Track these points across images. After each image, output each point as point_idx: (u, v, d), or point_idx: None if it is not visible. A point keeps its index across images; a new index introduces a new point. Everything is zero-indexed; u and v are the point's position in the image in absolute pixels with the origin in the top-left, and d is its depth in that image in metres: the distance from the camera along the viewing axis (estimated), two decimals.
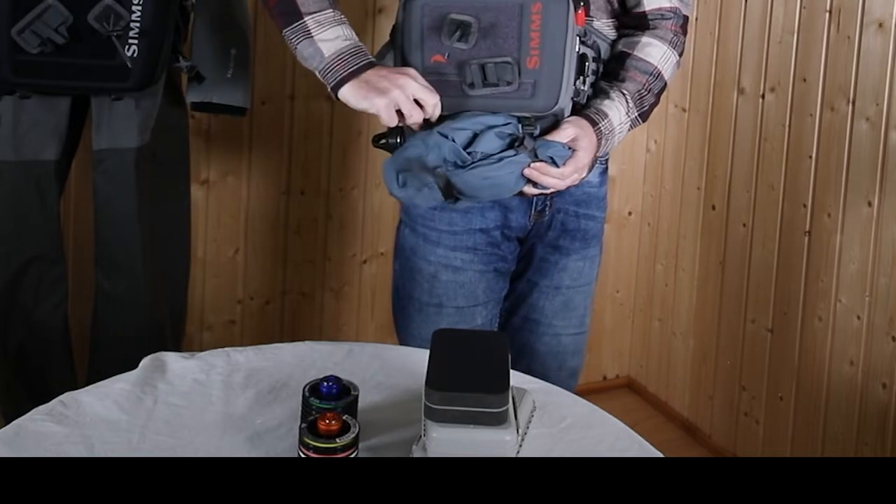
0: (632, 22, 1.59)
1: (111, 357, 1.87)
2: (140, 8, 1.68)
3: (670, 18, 1.58)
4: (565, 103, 1.45)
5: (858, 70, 2.12)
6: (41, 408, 1.22)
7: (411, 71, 1.40)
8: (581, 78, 1.48)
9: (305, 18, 1.41)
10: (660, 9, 1.57)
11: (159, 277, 1.95)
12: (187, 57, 1.86)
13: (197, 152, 2.22)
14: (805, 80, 2.26)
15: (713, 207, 2.59)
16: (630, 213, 2.87)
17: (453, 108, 1.43)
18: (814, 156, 2.25)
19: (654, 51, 1.56)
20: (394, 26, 1.51)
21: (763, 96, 2.39)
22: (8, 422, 1.21)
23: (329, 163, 2.42)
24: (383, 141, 1.53)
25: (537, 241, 1.65)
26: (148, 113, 1.83)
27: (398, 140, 1.51)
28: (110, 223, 1.88)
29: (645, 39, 1.56)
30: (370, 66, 1.40)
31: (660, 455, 1.21)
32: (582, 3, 1.45)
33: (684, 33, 1.61)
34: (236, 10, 1.92)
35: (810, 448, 2.30)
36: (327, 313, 2.51)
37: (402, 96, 1.37)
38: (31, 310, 1.87)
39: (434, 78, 1.42)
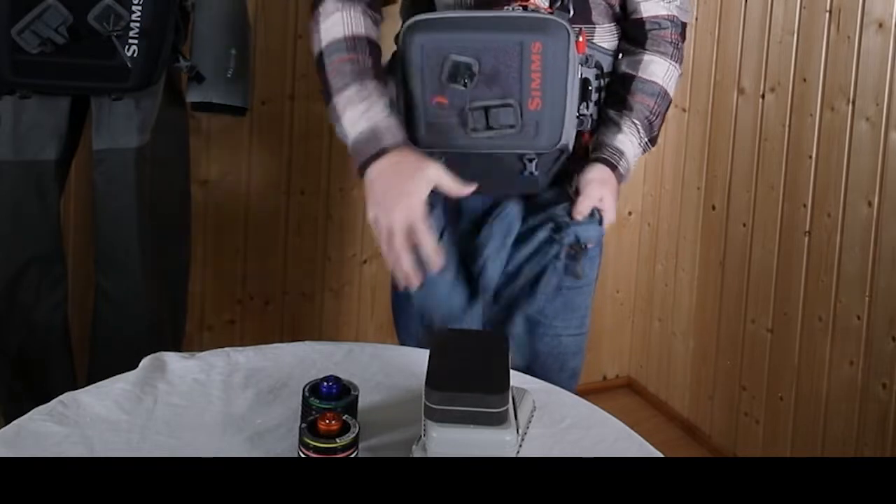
0: (630, 29, 1.58)
1: (111, 357, 1.87)
2: (140, 8, 1.68)
3: (667, 28, 1.56)
4: (569, 138, 1.44)
5: (858, 70, 2.12)
6: (41, 408, 1.22)
7: (418, 194, 1.28)
8: (585, 103, 1.47)
9: (335, 98, 1.37)
10: (656, 17, 1.55)
11: (159, 277, 1.95)
12: (187, 57, 1.86)
13: (197, 152, 2.22)
14: (805, 80, 2.26)
15: (713, 207, 2.59)
16: (630, 213, 2.87)
17: (458, 149, 1.42)
18: (814, 156, 2.25)
19: (657, 69, 1.54)
20: (394, 53, 1.48)
21: (763, 96, 2.39)
22: (8, 422, 1.21)
23: (329, 163, 2.42)
24: None
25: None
26: (148, 113, 1.83)
27: None
28: (110, 223, 1.88)
29: (647, 57, 1.55)
30: (384, 152, 1.32)
31: (660, 455, 1.21)
32: (581, 29, 1.44)
33: (683, 40, 1.60)
34: (236, 10, 1.92)
35: (810, 448, 2.30)
36: (327, 313, 2.51)
37: (392, 238, 1.29)
38: (31, 310, 1.87)
39: (436, 120, 1.40)
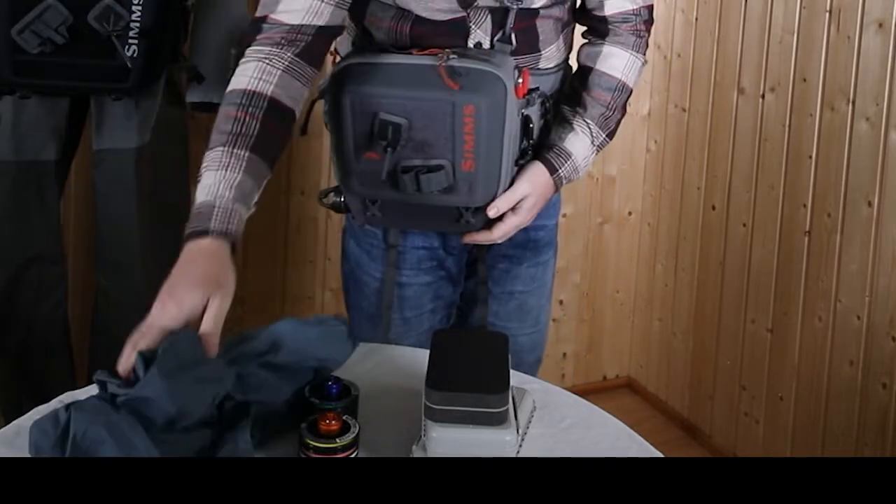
0: (592, 24, 1.52)
1: (111, 357, 1.87)
2: (140, 8, 1.68)
3: (632, 21, 1.50)
4: (506, 185, 1.40)
5: (858, 70, 2.12)
6: (41, 408, 1.22)
7: (189, 305, 1.13)
8: (525, 140, 1.41)
9: (206, 152, 1.28)
10: (622, 12, 1.49)
11: (159, 277, 1.94)
12: (187, 57, 1.87)
13: (197, 152, 2.21)
14: (805, 80, 2.26)
15: (713, 207, 2.59)
16: (630, 213, 2.87)
17: (392, 205, 1.39)
18: (814, 156, 2.25)
19: (617, 62, 1.49)
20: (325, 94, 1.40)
21: (763, 96, 2.39)
22: (8, 422, 1.21)
23: (329, 163, 2.42)
24: (330, 201, 1.47)
25: (485, 252, 1.60)
26: (148, 113, 1.83)
27: (342, 199, 1.45)
28: (110, 223, 1.88)
29: (606, 49, 1.49)
30: (204, 234, 1.16)
31: (660, 455, 1.21)
32: (524, 69, 1.36)
33: (648, 30, 1.52)
34: (236, 11, 1.92)
35: (810, 448, 2.30)
36: (327, 313, 2.50)
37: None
38: (31, 310, 1.87)
39: (369, 170, 1.35)
